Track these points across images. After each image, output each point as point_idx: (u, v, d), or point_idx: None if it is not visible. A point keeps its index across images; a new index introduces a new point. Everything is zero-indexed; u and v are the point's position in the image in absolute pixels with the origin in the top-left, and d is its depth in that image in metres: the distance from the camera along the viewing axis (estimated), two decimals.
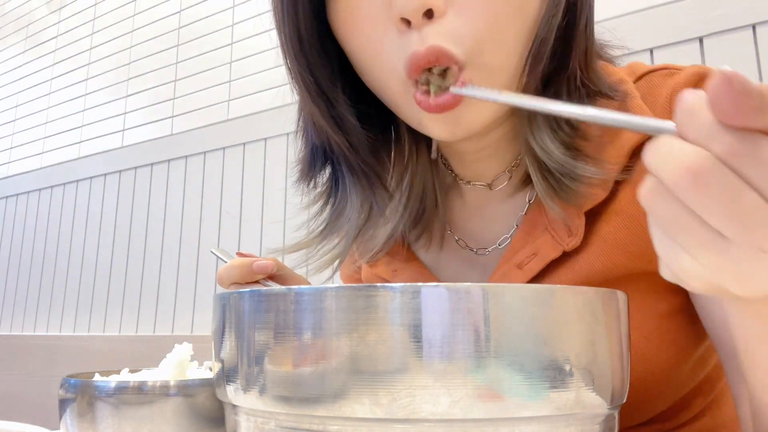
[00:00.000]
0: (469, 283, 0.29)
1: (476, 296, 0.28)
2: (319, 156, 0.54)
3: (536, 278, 0.50)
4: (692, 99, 0.24)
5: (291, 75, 0.50)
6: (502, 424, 0.28)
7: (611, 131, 0.49)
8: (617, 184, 0.49)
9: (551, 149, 0.47)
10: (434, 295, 0.28)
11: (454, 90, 0.42)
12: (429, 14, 0.42)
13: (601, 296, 0.32)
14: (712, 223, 0.24)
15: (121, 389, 0.41)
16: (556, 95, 0.48)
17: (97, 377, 0.47)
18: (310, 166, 0.55)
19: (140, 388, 0.41)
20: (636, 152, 0.47)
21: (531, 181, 0.51)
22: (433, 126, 0.46)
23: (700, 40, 1.07)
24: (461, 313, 0.28)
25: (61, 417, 0.44)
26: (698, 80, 0.49)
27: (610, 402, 0.32)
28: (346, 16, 0.46)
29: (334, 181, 0.55)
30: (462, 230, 0.58)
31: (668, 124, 0.25)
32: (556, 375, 0.29)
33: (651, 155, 0.25)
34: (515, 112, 0.50)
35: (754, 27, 1.02)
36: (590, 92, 0.50)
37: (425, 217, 0.57)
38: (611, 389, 0.32)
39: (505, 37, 0.44)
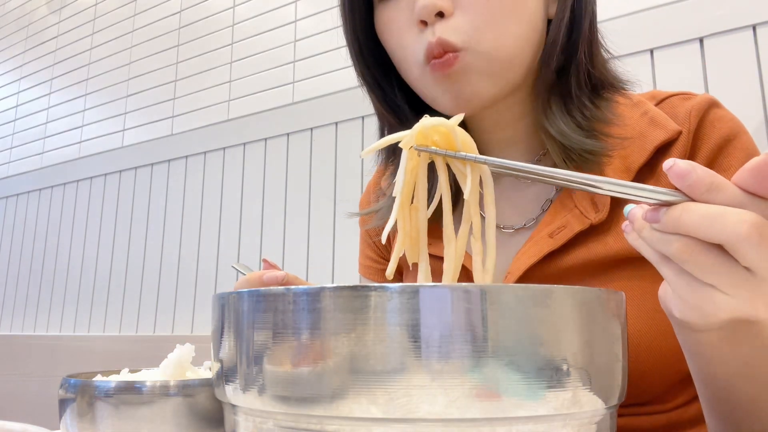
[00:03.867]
0: (466, 284, 0.29)
1: (474, 296, 0.28)
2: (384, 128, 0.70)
3: (566, 248, 0.56)
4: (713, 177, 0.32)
5: (357, 72, 0.66)
6: (499, 423, 0.28)
7: (636, 128, 0.57)
8: (644, 174, 0.56)
9: (566, 132, 0.56)
10: (432, 295, 0.28)
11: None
12: (440, 15, 0.55)
13: (599, 296, 0.32)
14: (753, 266, 0.31)
15: (121, 389, 0.41)
16: (567, 84, 0.58)
17: (98, 377, 0.47)
18: (380, 136, 0.70)
19: (140, 388, 0.41)
20: (660, 150, 0.56)
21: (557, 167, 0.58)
22: (442, 97, 0.57)
23: (700, 40, 1.07)
24: (459, 313, 0.28)
25: (61, 417, 0.44)
26: (709, 105, 0.56)
27: (607, 402, 0.32)
28: (384, 22, 0.60)
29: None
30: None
31: (676, 194, 0.33)
32: (553, 375, 0.29)
33: (698, 218, 0.31)
34: (525, 99, 0.61)
35: (754, 27, 1.02)
36: (601, 84, 0.60)
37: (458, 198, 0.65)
38: (608, 389, 0.32)
39: (501, 30, 0.55)
